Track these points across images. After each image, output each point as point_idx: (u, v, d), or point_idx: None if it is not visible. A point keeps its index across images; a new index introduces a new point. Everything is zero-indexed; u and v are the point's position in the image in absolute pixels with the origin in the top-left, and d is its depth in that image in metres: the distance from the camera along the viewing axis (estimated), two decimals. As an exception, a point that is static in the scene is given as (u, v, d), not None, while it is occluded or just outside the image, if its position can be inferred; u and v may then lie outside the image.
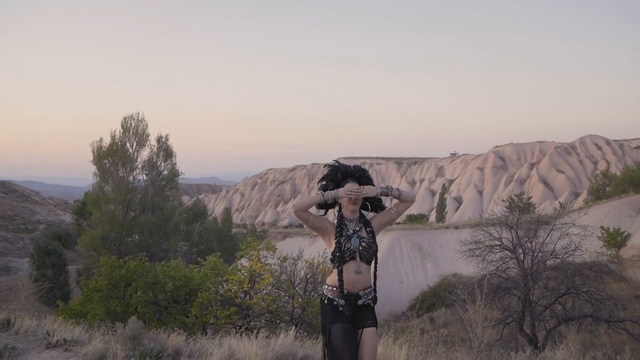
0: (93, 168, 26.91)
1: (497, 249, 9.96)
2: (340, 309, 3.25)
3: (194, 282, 10.39)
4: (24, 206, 57.73)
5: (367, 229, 3.39)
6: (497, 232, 10.11)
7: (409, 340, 4.15)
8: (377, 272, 3.44)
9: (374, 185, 3.49)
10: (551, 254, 9.58)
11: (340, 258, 3.30)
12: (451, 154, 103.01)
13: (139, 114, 27.25)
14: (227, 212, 38.67)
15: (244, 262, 11.90)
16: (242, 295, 10.15)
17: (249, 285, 10.23)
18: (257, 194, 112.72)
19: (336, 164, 3.60)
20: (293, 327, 5.54)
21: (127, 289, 9.66)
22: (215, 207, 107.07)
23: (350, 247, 3.33)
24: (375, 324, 3.28)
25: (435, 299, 17.65)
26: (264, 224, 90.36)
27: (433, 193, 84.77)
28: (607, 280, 12.19)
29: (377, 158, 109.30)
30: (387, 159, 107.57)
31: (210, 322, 9.80)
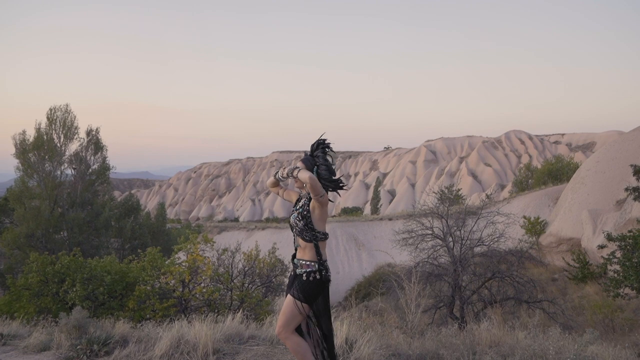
0: (15, 162, 25.57)
1: (428, 238, 10.48)
2: (291, 273, 3.61)
3: (130, 275, 10.24)
4: (-63, 203, 53.79)
5: (305, 207, 3.53)
6: (429, 221, 10.63)
7: (348, 318, 4.40)
8: (320, 252, 3.46)
9: (323, 163, 3.60)
10: (478, 242, 10.19)
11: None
12: (385, 148, 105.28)
13: (66, 105, 26.11)
14: (161, 206, 37.79)
15: (181, 255, 11.82)
16: (181, 288, 10.10)
17: (190, 277, 10.19)
18: (191, 189, 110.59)
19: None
20: (240, 311, 5.67)
21: (60, 285, 9.38)
22: (148, 202, 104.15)
23: (290, 221, 3.62)
24: (296, 294, 3.40)
25: (370, 289, 18.17)
26: (198, 218, 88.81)
27: (367, 186, 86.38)
28: (528, 265, 13.08)
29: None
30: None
31: (148, 316, 9.69)
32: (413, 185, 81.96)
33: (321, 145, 3.69)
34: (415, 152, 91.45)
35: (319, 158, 3.65)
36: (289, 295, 3.48)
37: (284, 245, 23.29)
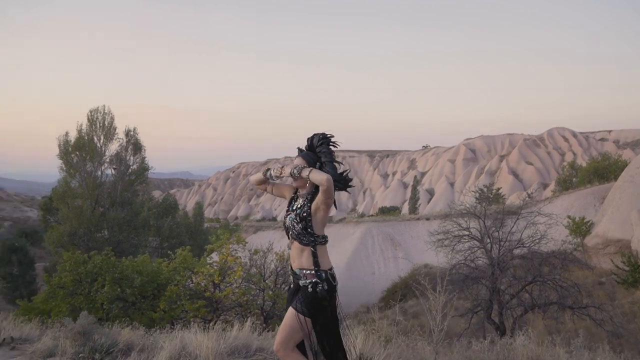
0: (60, 163, 26.23)
1: (465, 239, 10.07)
2: (292, 285, 3.23)
3: (162, 276, 10.20)
4: (-12, 203, 56.13)
5: (305, 208, 3.18)
6: (466, 222, 10.21)
7: (365, 329, 4.12)
8: (317, 261, 3.10)
9: (330, 160, 3.27)
10: (518, 243, 9.72)
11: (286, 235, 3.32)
12: (423, 146, 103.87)
13: (104, 107, 26.64)
14: (199, 206, 38.26)
15: (214, 256, 11.76)
16: (212, 289, 10.01)
17: (220, 278, 10.10)
18: (230, 188, 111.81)
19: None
20: (249, 319, 5.48)
21: (92, 285, 9.43)
22: (188, 202, 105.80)
23: (286, 223, 3.27)
24: (299, 308, 3.05)
25: (407, 290, 17.76)
26: (237, 218, 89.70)
27: (405, 185, 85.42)
28: (573, 268, 12.46)
29: (350, 151, 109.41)
30: (360, 152, 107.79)
31: (179, 316, 9.64)
32: (452, 185, 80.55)
33: (325, 140, 3.34)
34: (454, 150, 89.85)
35: (324, 154, 3.30)
36: (290, 309, 3.12)
37: (319, 245, 23.08)
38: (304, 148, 3.44)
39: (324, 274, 3.08)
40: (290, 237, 3.21)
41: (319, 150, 3.31)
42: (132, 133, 27.50)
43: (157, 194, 58.14)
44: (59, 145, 25.92)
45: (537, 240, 9.85)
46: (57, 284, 9.63)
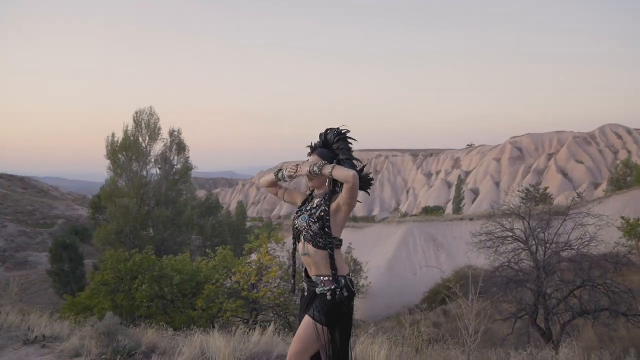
0: (108, 163, 27.01)
1: (508, 240, 9.68)
2: (306, 293, 3.01)
3: (201, 274, 10.26)
4: (43, 201, 58.44)
5: (323, 208, 2.97)
6: (509, 222, 9.81)
7: (391, 339, 3.92)
8: (335, 264, 2.89)
9: (349, 157, 3.06)
10: (565, 245, 9.26)
11: (292, 237, 3.12)
12: (467, 145, 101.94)
13: (150, 108, 27.27)
14: (241, 205, 38.71)
15: (254, 255, 11.76)
16: (250, 288, 10.00)
17: (257, 277, 10.08)
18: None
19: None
20: (272, 323, 5.36)
21: (132, 283, 9.57)
22: (232, 201, 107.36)
23: (296, 224, 3.05)
24: (316, 317, 2.83)
25: (449, 291, 17.28)
26: (279, 217, 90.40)
27: (449, 185, 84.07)
28: (627, 272, 11.83)
29: (393, 150, 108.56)
30: (403, 151, 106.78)
31: (217, 315, 9.67)
32: (497, 184, 78.75)
33: (341, 135, 3.09)
34: (499, 149, 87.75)
35: (343, 151, 3.06)
36: (306, 317, 2.89)
37: (360, 244, 22.96)
38: (315, 145, 3.20)
39: (342, 280, 2.88)
40: (303, 240, 2.98)
41: (336, 146, 3.08)
42: (175, 133, 28.03)
43: (201, 194, 59.20)
44: (107, 146, 26.69)
45: (585, 243, 9.36)
46: (100, 281, 9.83)
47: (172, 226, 26.96)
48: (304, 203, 3.16)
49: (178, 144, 28.04)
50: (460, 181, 72.13)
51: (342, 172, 2.80)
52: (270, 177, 3.22)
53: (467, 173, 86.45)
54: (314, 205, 3.03)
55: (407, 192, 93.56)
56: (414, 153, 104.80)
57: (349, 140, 3.12)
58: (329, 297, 2.84)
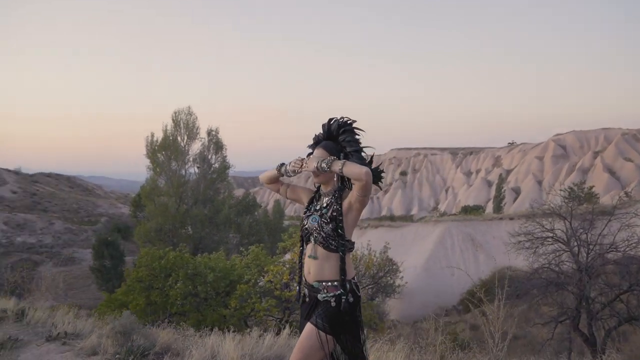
0: (148, 162, 27.57)
1: (549, 241, 9.29)
2: (307, 299, 2.81)
3: (235, 273, 10.28)
4: (88, 200, 60.32)
5: (335, 207, 2.75)
6: (550, 223, 9.42)
7: (411, 345, 3.74)
8: (345, 268, 2.70)
9: (357, 149, 2.82)
10: (610, 247, 8.82)
11: (300, 239, 2.90)
12: (509, 143, 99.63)
13: (188, 107, 27.66)
14: (278, 204, 38.89)
15: (288, 255, 11.72)
16: (282, 287, 9.95)
17: (289, 276, 10.03)
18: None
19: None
20: (288, 325, 5.26)
21: (166, 280, 9.67)
22: (270, 200, 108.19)
23: (306, 225, 2.83)
24: (319, 324, 2.63)
25: (487, 293, 16.88)
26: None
27: (490, 184, 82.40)
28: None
29: (432, 148, 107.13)
30: (442, 149, 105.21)
31: (250, 314, 9.66)
32: (539, 183, 76.67)
33: (347, 126, 2.85)
34: (542, 147, 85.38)
35: (350, 143, 2.81)
36: (308, 325, 2.69)
37: (397, 244, 22.65)
38: (319, 136, 2.95)
39: (348, 285, 2.69)
40: (313, 242, 2.76)
41: (342, 138, 2.84)
42: (213, 133, 28.36)
43: (239, 192, 59.94)
44: (146, 146, 27.24)
45: (633, 244, 8.89)
46: (135, 278, 9.97)
47: (209, 224, 27.32)
48: (311, 202, 2.94)
49: (216, 143, 28.38)
50: (501, 180, 70.59)
51: (354, 170, 2.57)
52: (272, 172, 3.00)
53: (508, 172, 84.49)
54: (324, 205, 2.82)
55: (446, 191, 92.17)
56: (454, 151, 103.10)
57: (356, 131, 2.88)
58: (333, 304, 2.66)
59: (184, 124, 27.29)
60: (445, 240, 23.19)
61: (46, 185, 62.56)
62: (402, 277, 16.01)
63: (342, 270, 2.68)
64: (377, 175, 2.88)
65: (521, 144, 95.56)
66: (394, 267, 15.67)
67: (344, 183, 2.88)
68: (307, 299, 2.81)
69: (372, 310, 13.31)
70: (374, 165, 2.87)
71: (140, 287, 9.86)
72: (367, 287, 14.45)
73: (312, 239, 2.77)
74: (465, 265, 20.94)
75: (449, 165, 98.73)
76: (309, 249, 2.80)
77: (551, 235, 9.25)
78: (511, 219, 23.33)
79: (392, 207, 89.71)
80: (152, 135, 27.01)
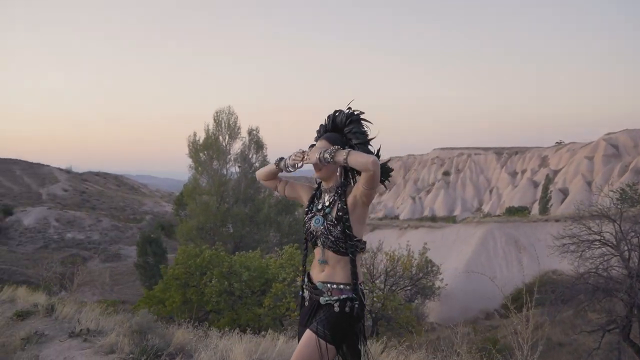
0: (190, 162, 28.05)
1: (596, 245, 8.81)
2: (307, 303, 2.55)
3: (269, 272, 10.26)
4: (134, 198, 62.03)
5: (339, 205, 2.49)
6: (597, 225, 8.93)
7: (431, 352, 3.54)
8: (356, 272, 2.44)
9: (365, 141, 2.57)
10: (664, 252, 8.30)
11: (305, 241, 2.65)
12: (556, 142, 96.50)
13: (229, 107, 27.99)
14: (318, 204, 38.83)
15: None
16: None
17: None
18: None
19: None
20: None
21: (202, 278, 9.73)
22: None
23: (310, 228, 2.58)
24: (320, 332, 2.36)
25: (531, 297, 16.28)
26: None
27: (536, 185, 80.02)
28: None
29: (476, 148, 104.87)
30: (486, 149, 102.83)
31: (285, 313, 9.61)
32: (589, 184, 73.85)
33: (354, 117, 2.58)
34: (592, 146, 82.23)
35: (357, 135, 2.55)
36: (308, 331, 2.42)
37: (437, 245, 22.23)
38: (322, 128, 2.70)
39: (354, 289, 2.42)
40: (321, 246, 2.50)
41: (348, 130, 2.57)
42: (254, 132, 28.59)
43: (280, 191, 60.18)
44: (189, 145, 27.73)
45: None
46: (172, 275, 10.08)
47: (250, 223, 27.56)
48: (312, 200, 2.67)
49: (256, 143, 28.60)
50: (548, 180, 68.49)
51: (360, 158, 2.29)
52: (270, 167, 2.73)
53: (556, 172, 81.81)
54: (327, 204, 2.55)
55: (490, 191, 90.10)
56: (498, 151, 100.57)
57: (364, 123, 2.61)
58: (336, 308, 2.39)
59: (225, 123, 27.63)
60: (488, 241, 22.60)
61: (95, 184, 64.72)
62: (442, 279, 15.68)
63: (354, 274, 2.43)
64: (385, 173, 2.61)
65: (569, 143, 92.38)
66: (434, 268, 15.36)
67: (348, 178, 2.64)
68: (307, 303, 2.56)
69: (411, 312, 13.07)
70: (381, 162, 2.54)
71: (177, 284, 9.96)
72: (405, 289, 14.21)
73: (319, 242, 2.53)
74: (508, 268, 20.34)
75: (493, 165, 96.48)
76: (317, 252, 2.56)
77: (599, 238, 8.78)
78: (557, 220, 22.54)
79: (434, 207, 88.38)
80: (195, 135, 27.48)
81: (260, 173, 2.84)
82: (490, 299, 18.75)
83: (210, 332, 4.55)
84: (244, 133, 28.30)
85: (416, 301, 15.51)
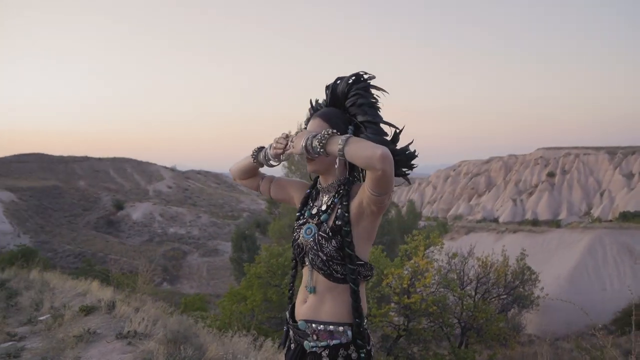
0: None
1: None
2: (292, 345, 1.83)
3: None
4: (232, 195, 64.58)
5: (338, 212, 1.73)
6: None
7: None
8: (360, 306, 1.69)
9: (373, 118, 1.75)
10: None
11: (293, 258, 1.90)
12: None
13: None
14: (411, 204, 38.00)
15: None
16: (401, 293, 9.38)
17: (409, 282, 9.42)
18: (450, 187, 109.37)
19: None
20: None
21: (283, 278, 9.62)
22: (408, 199, 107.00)
23: (298, 239, 1.83)
24: None
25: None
26: (455, 217, 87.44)
27: (655, 187, 73.15)
28: None
29: (585, 148, 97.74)
30: (597, 149, 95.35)
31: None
32: None
33: (360, 84, 1.77)
34: None
35: (363, 110, 1.75)
36: None
37: (536, 251, 20.76)
38: (318, 104, 1.93)
39: (351, 330, 1.67)
40: (310, 265, 1.77)
41: (350, 102, 1.78)
42: (347, 132, 28.51)
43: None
44: (283, 144, 28.20)
45: None
46: (254, 274, 10.08)
47: (342, 222, 27.52)
48: (305, 203, 1.91)
49: (345, 141, 28.50)
50: (670, 183, 62.17)
51: (362, 150, 1.52)
52: (247, 162, 1.97)
53: (680, 174, 74.29)
54: (323, 208, 1.80)
55: (601, 195, 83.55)
56: (611, 151, 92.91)
57: (374, 92, 1.80)
58: (324, 357, 1.67)
59: (315, 121, 27.78)
60: (596, 249, 20.72)
61: (196, 182, 68.20)
62: (543, 288, 14.50)
63: (356, 309, 1.67)
64: (405, 160, 1.76)
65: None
66: (533, 276, 14.24)
67: (355, 173, 1.84)
68: (291, 344, 1.84)
69: (505, 323, 12.17)
70: (400, 146, 1.77)
71: (259, 283, 9.94)
72: (500, 297, 13.29)
73: (307, 260, 1.79)
74: (620, 279, 18.50)
75: (605, 166, 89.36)
76: (305, 275, 1.82)
77: None
78: (680, 228, 20.19)
79: (537, 210, 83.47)
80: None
81: (234, 170, 2.07)
82: (599, 313, 17.15)
83: (266, 343, 4.32)
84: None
85: (512, 311, 14.47)
